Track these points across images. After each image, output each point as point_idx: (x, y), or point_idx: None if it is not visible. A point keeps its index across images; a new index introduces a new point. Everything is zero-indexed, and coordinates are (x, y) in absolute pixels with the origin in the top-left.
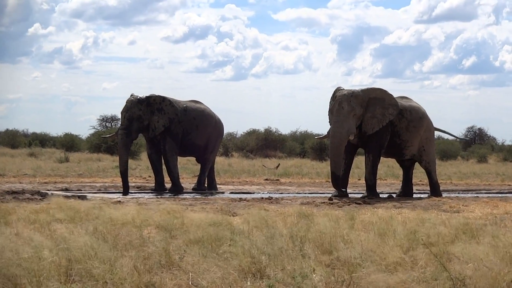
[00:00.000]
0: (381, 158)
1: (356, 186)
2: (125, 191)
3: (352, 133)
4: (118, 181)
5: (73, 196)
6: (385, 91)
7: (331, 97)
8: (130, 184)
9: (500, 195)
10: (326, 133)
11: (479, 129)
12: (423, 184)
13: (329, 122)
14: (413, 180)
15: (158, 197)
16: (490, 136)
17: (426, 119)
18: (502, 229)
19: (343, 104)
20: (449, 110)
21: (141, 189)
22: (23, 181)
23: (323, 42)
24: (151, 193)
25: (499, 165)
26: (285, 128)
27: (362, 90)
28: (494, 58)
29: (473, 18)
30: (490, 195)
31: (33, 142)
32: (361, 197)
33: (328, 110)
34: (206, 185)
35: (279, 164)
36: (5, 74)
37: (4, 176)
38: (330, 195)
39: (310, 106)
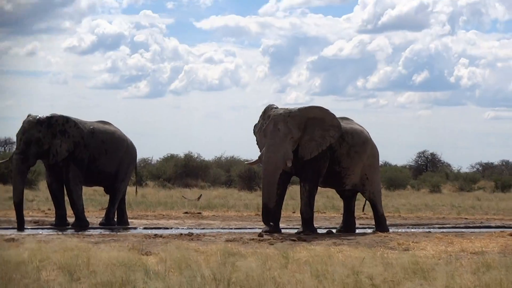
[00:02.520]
0: (319, 188)
1: (290, 220)
2: (20, 227)
3: (289, 159)
4: (12, 215)
5: None
6: (325, 110)
7: (261, 116)
8: (26, 218)
9: (455, 230)
10: (257, 158)
11: (432, 154)
12: (367, 218)
13: (258, 144)
14: (356, 213)
15: (59, 234)
16: (444, 162)
17: (369, 144)
18: (458, 269)
19: (279, 125)
20: (397, 132)
21: (39, 224)
22: None
23: (253, 54)
24: (51, 228)
25: (454, 196)
26: (208, 153)
27: (300, 109)
28: (449, 73)
29: (425, 27)
30: (444, 230)
31: None
32: (295, 232)
33: (254, 130)
34: (115, 220)
35: (201, 195)
36: None
37: None
38: (260, 230)
39: (237, 128)
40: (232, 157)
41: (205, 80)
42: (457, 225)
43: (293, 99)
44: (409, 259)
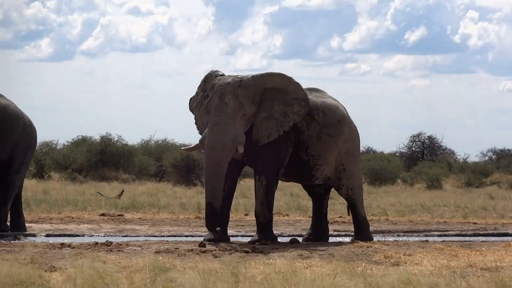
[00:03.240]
0: (280, 182)
1: (241, 225)
2: None
3: (240, 143)
4: None
5: None
6: (288, 79)
7: (201, 86)
8: None
9: (461, 238)
10: (197, 142)
11: (430, 138)
12: (344, 222)
13: (196, 124)
14: (329, 216)
15: None
16: (446, 148)
17: (347, 124)
18: None
19: (227, 98)
20: (384, 109)
21: None
22: None
23: (193, 4)
24: None
25: (459, 193)
26: (132, 135)
27: (254, 78)
28: (452, 31)
29: None
30: (447, 239)
31: None
32: (249, 241)
33: (190, 105)
34: (8, 223)
35: (122, 191)
36: None
37: None
38: (201, 238)
39: (171, 103)
40: (164, 141)
41: (129, 38)
42: (463, 232)
43: (245, 63)
44: (399, 277)
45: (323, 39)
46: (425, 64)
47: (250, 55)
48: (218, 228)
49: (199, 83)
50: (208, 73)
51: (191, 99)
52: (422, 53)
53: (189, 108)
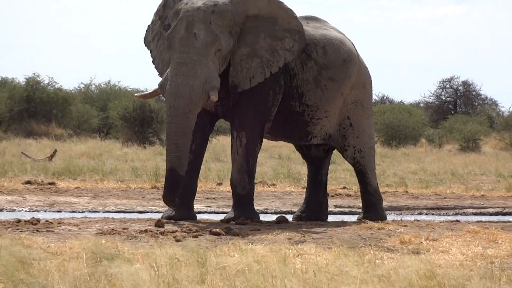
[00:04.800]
0: (266, 141)
1: (213, 198)
2: None
3: (214, 87)
4: None
5: None
6: (278, 3)
7: (159, 12)
8: None
9: (502, 218)
10: (156, 86)
11: (465, 84)
12: (349, 195)
13: (154, 62)
14: (330, 187)
15: None
16: (486, 98)
17: (354, 64)
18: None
19: (196, 27)
20: (405, 45)
21: None
22: None
23: None
24: None
25: (503, 157)
26: (68, 78)
27: (233, 1)
28: None
29: None
30: (484, 218)
31: None
32: (222, 219)
33: (146, 37)
34: None
35: (55, 151)
36: None
37: None
38: (159, 215)
39: (119, 35)
40: (109, 84)
41: None
42: (505, 210)
43: None
44: (419, 269)
45: None
46: None
47: None
48: (178, 202)
49: (156, 8)
50: None
51: (147, 29)
52: None
53: (144, 41)
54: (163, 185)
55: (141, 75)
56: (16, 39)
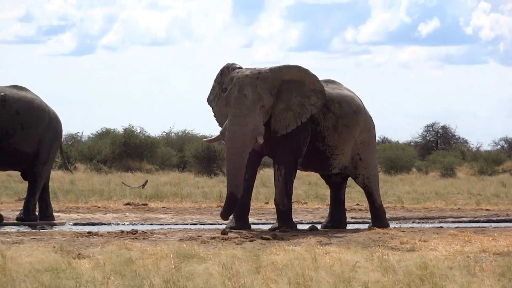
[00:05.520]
0: (299, 171)
1: (262, 213)
2: None
3: (259, 134)
4: None
5: None
6: (305, 71)
7: (218, 79)
8: None
9: (474, 225)
10: (218, 133)
11: (443, 127)
12: (361, 210)
13: (215, 116)
14: (347, 204)
15: None
16: (459, 138)
17: (363, 114)
18: (478, 275)
19: (246, 90)
20: (399, 99)
21: None
22: None
23: None
24: None
25: (473, 181)
26: (154, 127)
27: (272, 70)
28: (465, 22)
29: None
30: (460, 225)
31: None
32: (269, 229)
33: (209, 97)
34: (37, 213)
35: (146, 181)
36: None
37: None
38: (224, 226)
39: (191, 94)
40: (185, 132)
41: (148, 32)
42: (476, 219)
43: (263, 56)
44: (415, 262)
45: (338, 31)
46: (438, 55)
47: (267, 47)
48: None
49: (215, 76)
50: (224, 66)
51: (210, 92)
52: (435, 45)
53: (207, 101)
54: (223, 205)
55: (207, 124)
56: (115, 98)
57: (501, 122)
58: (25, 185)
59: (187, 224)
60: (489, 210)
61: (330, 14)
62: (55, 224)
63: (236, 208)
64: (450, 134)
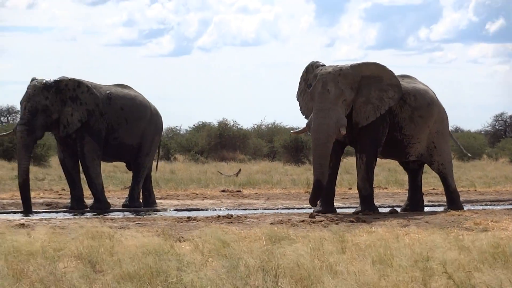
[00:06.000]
0: (379, 159)
1: (346, 198)
2: (27, 209)
3: (342, 126)
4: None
5: None
6: (382, 67)
7: (303, 76)
8: (37, 200)
9: None
10: (304, 125)
11: (511, 117)
12: (437, 194)
13: (301, 110)
14: (423, 189)
15: (76, 218)
16: None
17: (436, 106)
18: None
19: (329, 85)
20: (469, 92)
21: (52, 206)
22: None
23: (296, 2)
24: (67, 212)
25: None
26: (246, 120)
27: (352, 67)
28: None
29: None
30: None
31: None
32: (353, 212)
33: (297, 93)
34: (141, 200)
35: (240, 170)
36: None
37: None
38: (311, 210)
39: (278, 89)
40: (274, 124)
41: (239, 33)
42: None
43: (344, 54)
44: (488, 241)
45: (412, 30)
46: (504, 51)
47: (347, 46)
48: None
49: (301, 73)
50: (309, 64)
51: (298, 89)
52: (502, 42)
53: (296, 97)
54: (311, 191)
55: (295, 117)
56: (210, 94)
57: None
58: (129, 175)
59: (278, 208)
60: None
61: (405, 14)
62: (158, 210)
63: (323, 193)
64: None
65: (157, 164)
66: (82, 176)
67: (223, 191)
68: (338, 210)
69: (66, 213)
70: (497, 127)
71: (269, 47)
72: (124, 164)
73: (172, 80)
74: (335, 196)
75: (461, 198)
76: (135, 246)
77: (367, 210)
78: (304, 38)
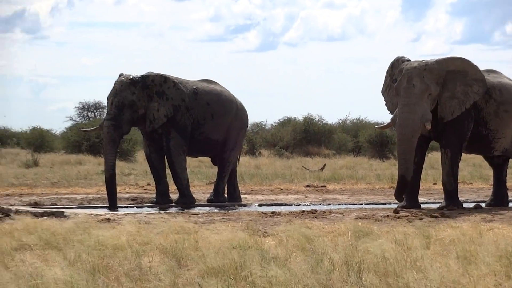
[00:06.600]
0: (464, 154)
1: (430, 193)
2: (112, 204)
3: (427, 121)
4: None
5: (45, 213)
6: (467, 62)
7: (389, 71)
8: (122, 194)
9: None
10: (389, 120)
11: None
12: None
13: (386, 105)
14: (508, 184)
15: (161, 212)
16: None
17: None
18: None
19: (414, 80)
20: None
21: (137, 201)
22: None
23: None
24: (152, 206)
25: None
26: (331, 115)
27: (438, 61)
28: None
29: None
30: None
31: None
32: (438, 207)
33: (382, 88)
34: (225, 195)
35: (324, 164)
36: None
37: None
38: (395, 206)
39: (364, 85)
40: (359, 119)
41: (325, 28)
42: None
43: (429, 49)
44: None
45: (498, 25)
46: None
47: (433, 41)
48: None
49: (386, 68)
50: (394, 59)
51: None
52: None
53: (381, 92)
54: (395, 187)
55: (380, 112)
56: (295, 89)
57: None
58: (214, 169)
59: (362, 204)
60: None
61: (491, 9)
62: (242, 205)
63: (407, 189)
64: None
65: (238, 158)
66: (168, 171)
67: (307, 186)
68: (422, 205)
69: (151, 208)
70: None
71: (355, 42)
72: (209, 159)
73: (257, 75)
74: (420, 191)
75: None
76: (219, 241)
77: (452, 205)
78: (390, 33)
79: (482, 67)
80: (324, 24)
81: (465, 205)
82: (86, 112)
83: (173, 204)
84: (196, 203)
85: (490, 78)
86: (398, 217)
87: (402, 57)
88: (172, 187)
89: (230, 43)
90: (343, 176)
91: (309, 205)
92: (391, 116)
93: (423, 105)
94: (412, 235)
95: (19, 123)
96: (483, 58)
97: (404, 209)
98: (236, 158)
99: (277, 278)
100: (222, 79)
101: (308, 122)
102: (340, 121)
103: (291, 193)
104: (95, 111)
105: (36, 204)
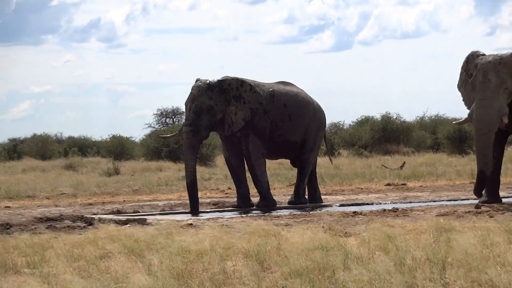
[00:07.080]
0: None
1: (511, 187)
2: (194, 210)
3: (504, 115)
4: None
5: (128, 220)
6: None
7: (464, 66)
8: (203, 199)
9: None
10: (466, 116)
11: None
12: None
13: (464, 100)
14: None
15: (242, 216)
16: None
17: None
18: None
19: (490, 75)
20: None
21: (218, 206)
22: (60, 203)
23: None
24: (233, 210)
25: None
26: (408, 112)
27: None
28: None
29: None
30: None
31: (70, 150)
32: None
33: (458, 84)
34: (306, 197)
35: (404, 162)
36: (26, 59)
37: (34, 198)
38: (476, 201)
39: (440, 80)
40: (437, 115)
41: (399, 26)
42: None
43: (504, 42)
44: None
45: None
46: None
47: (508, 35)
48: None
49: (462, 64)
50: (469, 54)
51: (458, 80)
52: None
53: (457, 87)
54: (475, 181)
55: (457, 108)
56: (372, 88)
57: None
58: (294, 171)
59: (443, 200)
60: None
61: None
62: (323, 206)
63: (487, 184)
64: None
65: (330, 158)
66: (248, 174)
67: (388, 184)
68: (503, 200)
69: (232, 212)
70: None
71: (429, 39)
72: (288, 161)
73: (333, 75)
74: (500, 185)
75: None
76: (301, 242)
77: None
78: (464, 28)
79: None
80: (397, 22)
81: None
82: (164, 118)
83: (254, 207)
84: (277, 205)
85: None
86: (480, 213)
87: (477, 51)
88: (252, 190)
89: (304, 44)
90: (423, 173)
91: (390, 203)
92: (468, 111)
93: (499, 99)
94: (494, 230)
95: (99, 132)
96: None
97: (485, 204)
98: (315, 159)
99: (361, 277)
100: (298, 81)
101: (386, 120)
102: (418, 118)
103: (371, 192)
104: (173, 117)
105: (118, 212)
